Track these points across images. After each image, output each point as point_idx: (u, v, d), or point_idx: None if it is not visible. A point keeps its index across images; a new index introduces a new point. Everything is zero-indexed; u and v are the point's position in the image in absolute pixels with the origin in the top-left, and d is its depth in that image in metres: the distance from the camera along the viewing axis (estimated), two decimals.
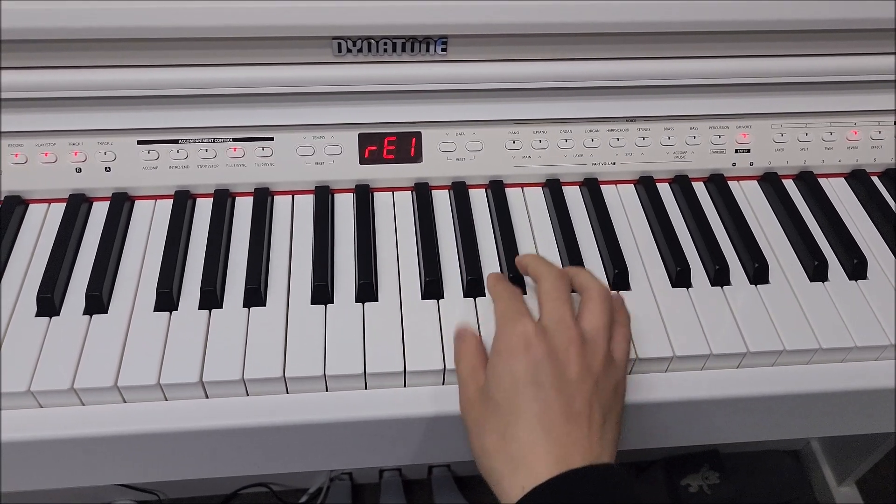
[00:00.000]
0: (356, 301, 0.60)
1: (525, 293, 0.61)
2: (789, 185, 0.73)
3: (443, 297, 0.61)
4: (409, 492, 1.32)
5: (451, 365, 0.56)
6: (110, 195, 0.67)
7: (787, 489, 1.37)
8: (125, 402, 0.55)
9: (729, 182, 0.72)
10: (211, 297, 0.59)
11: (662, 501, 1.33)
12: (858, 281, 0.64)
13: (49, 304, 0.58)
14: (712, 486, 1.33)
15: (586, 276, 0.55)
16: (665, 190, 0.71)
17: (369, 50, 0.63)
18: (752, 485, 1.36)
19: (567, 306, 0.51)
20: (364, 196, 0.68)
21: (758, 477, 1.38)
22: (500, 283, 0.57)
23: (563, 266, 0.64)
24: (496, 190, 0.69)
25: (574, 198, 0.70)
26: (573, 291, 0.55)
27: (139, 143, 0.66)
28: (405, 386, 0.57)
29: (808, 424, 0.63)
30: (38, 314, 0.58)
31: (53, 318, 0.58)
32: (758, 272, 0.63)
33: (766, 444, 1.41)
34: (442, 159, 0.69)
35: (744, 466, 1.38)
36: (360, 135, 0.68)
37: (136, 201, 0.67)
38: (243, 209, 0.67)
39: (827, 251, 0.66)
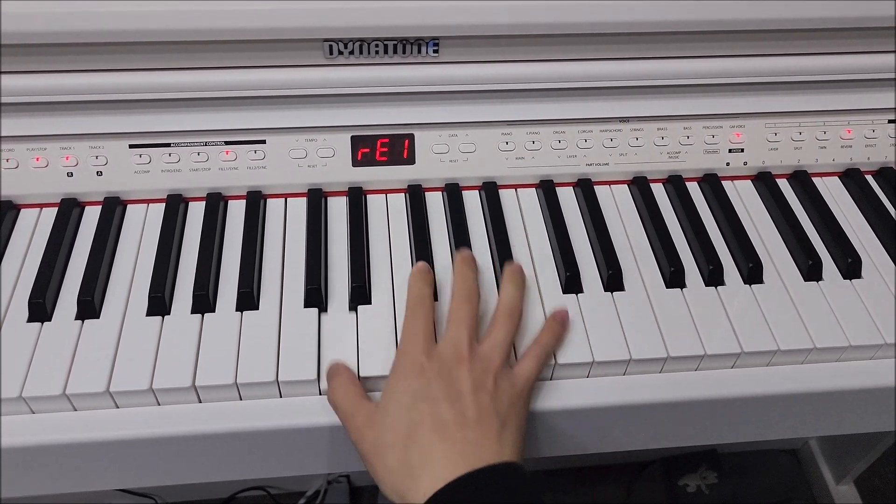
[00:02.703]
0: (349, 304, 0.60)
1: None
2: (783, 184, 0.73)
3: (437, 300, 0.61)
4: None
5: None
6: (102, 199, 0.66)
7: (786, 488, 1.37)
8: (118, 408, 0.55)
9: (723, 182, 0.72)
10: (203, 301, 0.59)
11: (660, 501, 1.33)
12: (853, 280, 0.64)
13: (41, 309, 0.58)
14: (710, 485, 1.33)
15: (505, 292, 0.58)
16: (659, 190, 0.71)
17: (361, 52, 0.63)
18: (751, 484, 1.36)
19: (464, 329, 0.54)
20: (357, 198, 0.68)
21: (756, 476, 1.37)
22: (415, 288, 0.57)
23: (557, 263, 0.64)
24: (489, 191, 0.69)
25: (568, 198, 0.70)
26: None
27: (131, 146, 0.66)
28: None
29: (804, 424, 0.63)
30: (30, 319, 0.58)
31: (45, 323, 0.58)
32: (752, 272, 0.63)
33: (764, 443, 1.40)
34: (435, 161, 0.69)
35: (742, 466, 1.38)
36: (352, 137, 0.68)
37: (129, 205, 0.67)
38: (236, 212, 0.67)
39: (821, 250, 0.66)
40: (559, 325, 0.58)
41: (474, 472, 0.47)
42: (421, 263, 0.60)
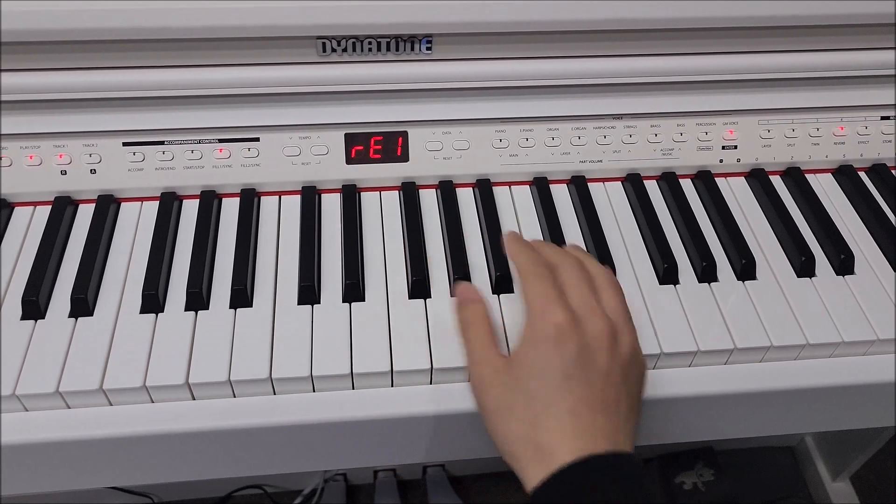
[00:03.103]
0: (343, 301, 0.60)
1: (512, 291, 0.61)
2: (776, 181, 0.73)
3: (430, 297, 0.61)
4: (403, 492, 1.32)
5: (438, 364, 0.56)
6: (96, 197, 0.66)
7: (782, 485, 1.37)
8: (111, 405, 0.55)
9: (716, 178, 0.72)
10: (197, 299, 0.59)
11: (657, 499, 1.33)
12: (846, 276, 0.64)
13: (34, 307, 0.58)
14: (707, 483, 1.33)
15: (593, 263, 0.55)
16: (652, 187, 0.71)
17: (354, 49, 0.63)
18: (747, 481, 1.36)
19: (592, 295, 0.51)
20: (351, 196, 0.68)
21: (752, 473, 1.38)
22: (525, 251, 0.54)
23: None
24: (483, 188, 0.69)
25: (561, 196, 0.70)
26: None
27: (125, 144, 0.66)
28: (392, 386, 0.57)
29: (798, 420, 0.63)
30: (24, 317, 0.58)
31: (39, 321, 0.58)
32: (745, 268, 0.63)
33: (760, 440, 1.41)
34: (429, 158, 0.69)
35: (738, 463, 1.38)
36: (346, 135, 0.68)
37: (122, 203, 0.67)
38: (230, 210, 0.67)
39: (814, 246, 0.66)
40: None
41: (592, 458, 0.45)
42: (512, 232, 0.58)
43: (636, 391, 0.51)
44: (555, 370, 0.48)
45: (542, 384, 0.48)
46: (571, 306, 0.50)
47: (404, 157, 0.69)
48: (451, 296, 0.61)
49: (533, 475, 0.46)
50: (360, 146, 0.68)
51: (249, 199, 0.67)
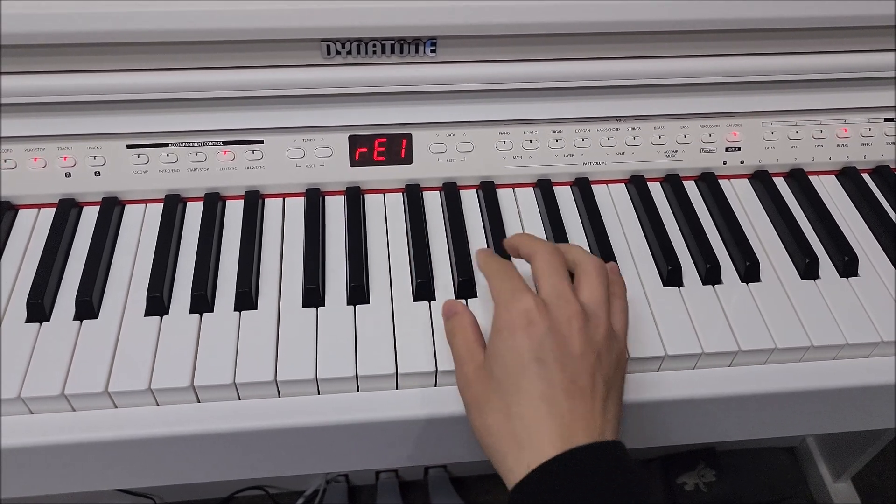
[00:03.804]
0: (347, 303, 0.60)
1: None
2: (780, 182, 0.73)
3: (434, 299, 0.61)
4: (405, 493, 1.32)
5: (442, 366, 0.56)
6: (100, 200, 0.67)
7: (783, 486, 1.37)
8: (116, 408, 0.55)
9: (720, 180, 0.72)
10: (202, 301, 0.59)
11: (659, 500, 1.33)
12: (849, 278, 0.64)
13: (39, 309, 0.58)
14: (708, 483, 1.33)
15: (579, 252, 0.55)
16: (656, 189, 0.71)
17: (358, 52, 0.63)
18: (748, 482, 1.36)
19: (566, 281, 0.51)
20: (355, 198, 0.68)
21: (754, 474, 1.38)
22: (492, 259, 0.55)
23: None
24: (487, 190, 0.69)
25: (565, 198, 0.70)
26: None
27: (129, 147, 0.66)
28: (397, 388, 0.57)
29: (801, 422, 0.63)
30: (29, 320, 0.58)
31: (44, 323, 0.58)
32: (749, 270, 0.63)
33: (761, 441, 1.41)
34: (433, 160, 0.69)
35: (740, 464, 1.38)
36: (350, 137, 0.68)
37: (127, 205, 0.67)
38: (234, 212, 0.67)
39: (818, 249, 0.66)
40: (620, 276, 0.56)
41: (576, 450, 0.45)
42: (481, 249, 0.60)
43: (614, 377, 0.50)
44: (524, 355, 0.47)
45: (513, 371, 0.48)
46: (541, 295, 0.50)
47: (408, 160, 0.69)
48: (456, 298, 0.61)
49: (513, 466, 0.46)
50: (364, 148, 0.68)
51: (253, 202, 0.67)
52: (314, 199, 0.67)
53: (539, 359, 0.47)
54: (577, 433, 0.46)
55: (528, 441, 0.46)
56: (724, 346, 0.58)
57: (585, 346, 0.48)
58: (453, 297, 0.61)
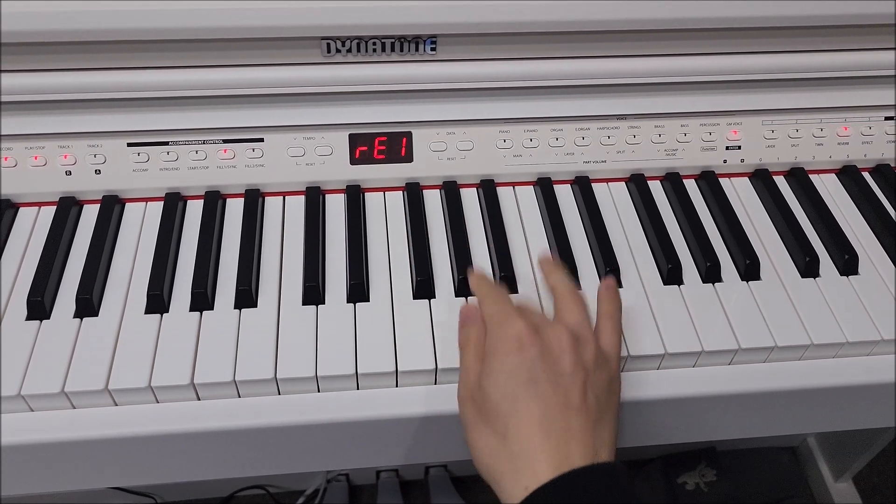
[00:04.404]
0: (347, 301, 0.60)
1: (517, 291, 0.61)
2: (780, 181, 0.73)
3: (434, 297, 0.61)
4: (406, 493, 1.32)
5: (442, 364, 0.56)
6: (100, 198, 0.67)
7: (784, 486, 1.37)
8: (116, 405, 0.55)
9: (720, 179, 0.72)
10: (202, 299, 0.59)
11: (659, 500, 1.33)
12: (850, 276, 0.64)
13: (39, 307, 0.58)
14: (709, 483, 1.33)
15: (556, 276, 0.56)
16: (656, 187, 0.71)
17: (358, 50, 0.63)
18: (749, 482, 1.36)
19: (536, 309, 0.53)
20: (355, 196, 0.68)
21: (755, 474, 1.38)
22: (484, 283, 0.56)
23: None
24: (487, 189, 0.69)
25: (565, 196, 0.70)
26: None
27: (129, 145, 0.66)
28: (397, 386, 0.57)
29: (801, 420, 0.63)
30: (29, 318, 0.58)
31: (44, 321, 0.58)
32: (749, 269, 0.63)
33: (762, 440, 1.41)
34: (433, 159, 0.69)
35: (741, 463, 1.38)
36: (350, 135, 0.68)
37: (127, 204, 0.67)
38: (234, 210, 0.67)
39: (818, 247, 0.66)
40: (615, 292, 0.56)
41: (572, 473, 0.45)
42: (476, 270, 0.61)
43: (607, 400, 0.50)
44: (518, 376, 0.48)
45: (505, 393, 0.48)
46: (532, 319, 0.51)
47: (408, 158, 0.69)
48: (456, 296, 0.61)
49: (509, 488, 0.46)
50: (365, 146, 0.68)
51: (254, 200, 0.67)
52: (314, 198, 0.67)
53: (532, 380, 0.48)
54: (573, 454, 0.46)
55: (524, 462, 0.46)
56: (724, 345, 0.58)
57: (575, 365, 0.49)
58: (453, 296, 0.61)
